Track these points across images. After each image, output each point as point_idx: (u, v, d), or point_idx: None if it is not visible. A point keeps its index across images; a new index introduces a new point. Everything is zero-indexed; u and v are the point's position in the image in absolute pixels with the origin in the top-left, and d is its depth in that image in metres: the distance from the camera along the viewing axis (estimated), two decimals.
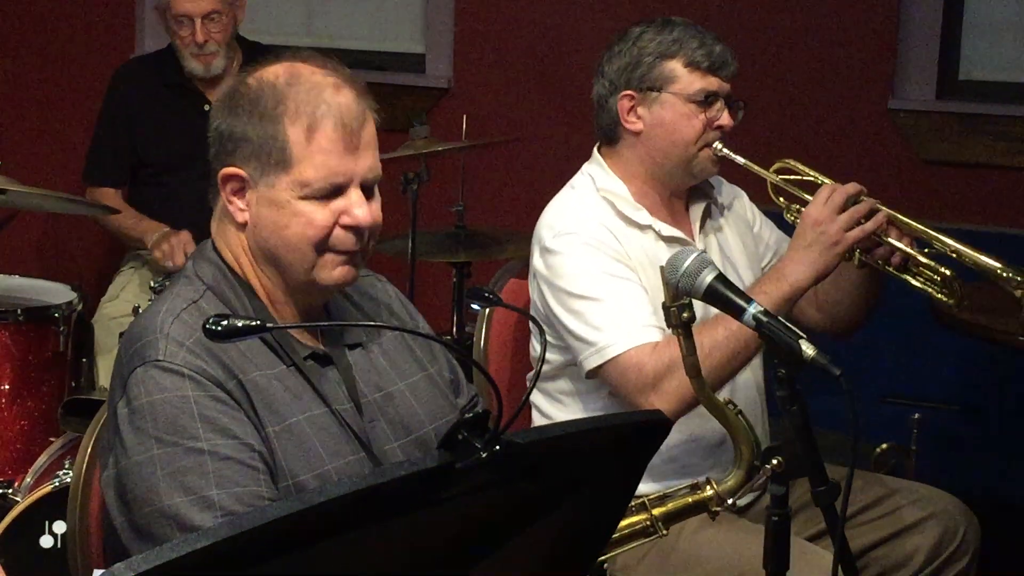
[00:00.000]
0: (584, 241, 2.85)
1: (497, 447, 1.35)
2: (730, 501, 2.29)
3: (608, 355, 2.75)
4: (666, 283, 2.19)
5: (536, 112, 5.31)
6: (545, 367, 2.96)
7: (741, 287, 2.34)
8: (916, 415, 3.83)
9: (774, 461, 2.03)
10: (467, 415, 2.37)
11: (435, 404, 2.33)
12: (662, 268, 2.22)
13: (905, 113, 4.97)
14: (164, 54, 4.60)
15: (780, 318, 2.06)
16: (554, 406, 2.98)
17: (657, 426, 1.60)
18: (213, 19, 4.40)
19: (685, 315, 2.18)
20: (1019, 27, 5.01)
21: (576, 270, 2.83)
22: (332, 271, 2.17)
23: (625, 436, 1.55)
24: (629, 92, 2.92)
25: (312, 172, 2.12)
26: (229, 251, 2.22)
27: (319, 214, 2.13)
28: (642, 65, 2.90)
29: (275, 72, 2.17)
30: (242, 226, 2.19)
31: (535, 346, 3.01)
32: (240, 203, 2.18)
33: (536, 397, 3.01)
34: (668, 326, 2.22)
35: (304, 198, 2.13)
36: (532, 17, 5.33)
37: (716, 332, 2.66)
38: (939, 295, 2.84)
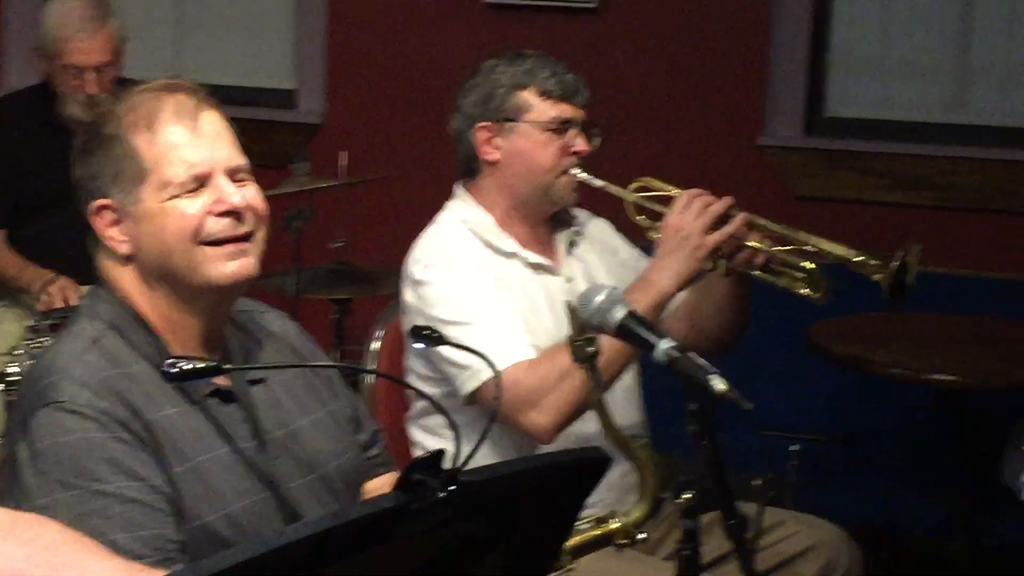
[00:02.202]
0: (452, 269, 2.89)
1: (453, 487, 1.34)
2: (641, 536, 2.29)
3: (483, 376, 2.76)
4: (574, 317, 2.19)
5: (413, 147, 5.31)
6: (425, 403, 2.97)
7: None
8: (794, 447, 3.88)
9: (686, 495, 2.04)
10: (372, 454, 2.40)
11: (338, 441, 2.31)
12: (568, 303, 2.23)
13: (775, 149, 5.06)
14: (38, 91, 4.50)
15: (691, 353, 2.06)
16: (437, 441, 2.97)
17: (596, 462, 1.60)
18: (104, 71, 4.31)
19: (590, 349, 2.19)
20: (883, 65, 5.12)
21: (446, 297, 2.86)
22: (223, 266, 2.13)
23: (567, 473, 1.56)
24: (485, 124, 2.95)
25: (169, 169, 2.11)
26: (120, 290, 2.18)
27: (190, 207, 2.11)
28: (496, 96, 2.94)
29: (107, 103, 2.19)
30: (127, 259, 2.16)
31: (413, 380, 3.00)
32: (118, 235, 2.15)
33: (418, 434, 3.02)
34: (574, 360, 2.22)
35: (172, 198, 2.11)
36: (404, 52, 5.35)
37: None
38: (805, 291, 2.89)
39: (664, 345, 2.07)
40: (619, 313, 2.14)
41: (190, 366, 1.75)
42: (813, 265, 2.88)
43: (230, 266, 2.14)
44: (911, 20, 5.06)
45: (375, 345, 3.22)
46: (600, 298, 2.15)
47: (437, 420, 2.96)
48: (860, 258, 2.85)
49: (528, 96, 2.94)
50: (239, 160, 2.18)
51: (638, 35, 5.11)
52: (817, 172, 5.05)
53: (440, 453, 1.39)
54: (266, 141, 5.25)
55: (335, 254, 4.36)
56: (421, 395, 2.82)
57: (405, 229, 5.25)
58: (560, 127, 2.94)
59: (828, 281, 2.88)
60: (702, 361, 2.06)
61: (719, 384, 2.01)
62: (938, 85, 5.10)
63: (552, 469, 1.56)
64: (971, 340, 4.26)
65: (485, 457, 2.81)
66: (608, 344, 2.60)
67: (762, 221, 2.88)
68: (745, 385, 2.96)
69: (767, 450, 2.22)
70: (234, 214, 2.14)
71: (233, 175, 2.16)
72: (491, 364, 1.98)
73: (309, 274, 4.26)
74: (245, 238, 2.16)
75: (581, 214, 3.12)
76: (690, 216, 2.83)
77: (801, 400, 4.75)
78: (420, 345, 2.08)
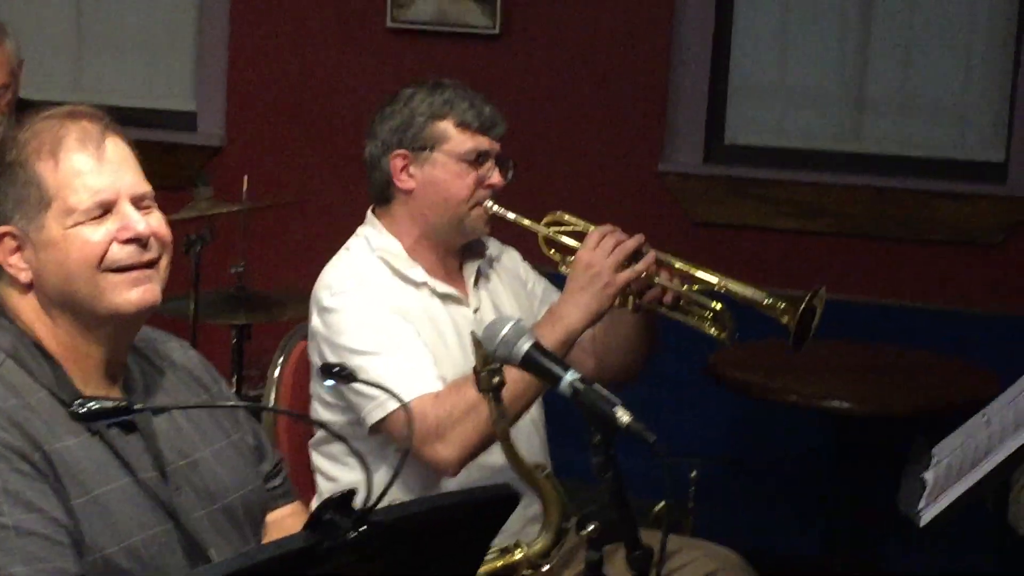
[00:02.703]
0: (361, 297, 2.88)
1: (363, 527, 1.33)
2: (545, 568, 2.30)
3: (390, 407, 2.76)
4: (478, 349, 2.19)
5: (313, 171, 5.30)
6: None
7: None
8: (693, 472, 3.91)
9: (589, 527, 2.05)
10: (274, 485, 2.39)
11: (240, 471, 2.30)
12: (473, 334, 2.23)
13: (674, 176, 5.10)
14: None
15: (596, 386, 2.07)
16: (340, 469, 2.96)
17: (506, 499, 1.60)
18: (1, 93, 4.26)
19: (496, 380, 2.19)
20: (780, 93, 5.19)
21: (354, 326, 2.85)
22: (127, 294, 2.12)
23: (476, 510, 1.56)
24: (401, 152, 2.95)
25: (73, 196, 2.09)
26: (21, 319, 2.15)
27: (95, 234, 2.10)
28: (414, 125, 2.94)
29: (12, 130, 2.16)
30: (28, 287, 2.14)
31: (317, 408, 2.99)
32: (19, 263, 2.13)
33: (320, 461, 3.01)
34: (479, 391, 2.22)
35: (76, 225, 2.09)
36: (306, 75, 5.33)
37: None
38: (712, 330, 2.92)
39: (569, 377, 2.08)
40: (524, 345, 2.15)
41: (98, 406, 1.73)
42: (720, 305, 2.90)
43: (134, 293, 2.12)
44: (808, 50, 5.13)
45: (276, 372, 3.19)
46: (506, 330, 2.16)
47: (340, 447, 2.95)
48: (768, 300, 2.87)
49: (445, 126, 2.94)
50: (144, 187, 2.17)
51: (540, 61, 5.13)
52: (716, 199, 5.10)
53: (351, 493, 1.39)
54: (166, 163, 5.21)
55: (235, 279, 4.32)
56: (324, 428, 2.80)
57: (305, 254, 5.24)
58: (476, 159, 2.94)
59: (735, 322, 2.91)
60: (606, 393, 2.07)
61: (623, 416, 2.03)
62: (834, 114, 5.17)
63: (462, 507, 1.56)
64: (866, 367, 4.33)
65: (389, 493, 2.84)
66: (516, 377, 2.62)
67: (672, 259, 2.90)
68: (646, 410, 2.99)
69: (667, 476, 2.24)
70: (139, 241, 2.12)
71: (138, 202, 2.15)
72: (399, 398, 1.98)
73: (208, 299, 4.22)
74: (150, 265, 2.15)
75: (492, 244, 3.13)
76: (601, 253, 2.84)
77: (701, 426, 4.79)
78: (330, 383, 2.06)
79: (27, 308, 2.15)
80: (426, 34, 5.18)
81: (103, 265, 2.11)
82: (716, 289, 2.90)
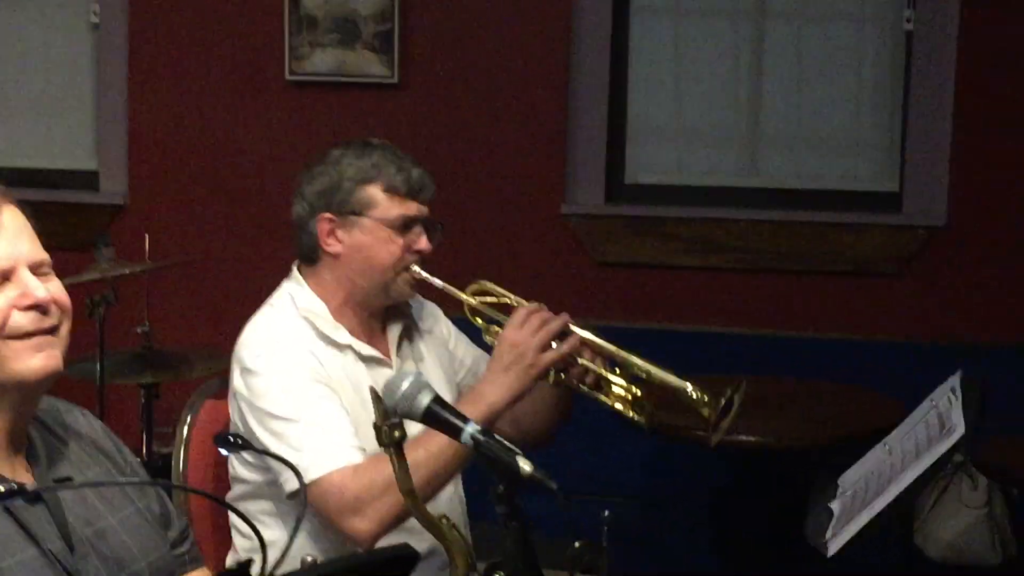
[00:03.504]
0: (283, 362, 2.85)
1: None
2: None
3: (308, 477, 2.73)
4: (378, 403, 2.20)
5: (217, 229, 5.29)
6: (246, 487, 2.95)
7: None
8: (605, 512, 3.93)
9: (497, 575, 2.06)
10: (181, 551, 2.38)
11: (147, 538, 2.29)
12: (372, 389, 2.23)
13: (577, 218, 5.14)
14: None
15: (497, 436, 2.09)
16: (256, 526, 2.94)
17: (406, 559, 1.61)
18: None
19: (397, 434, 2.19)
20: (678, 132, 5.25)
21: (275, 390, 2.83)
22: (30, 360, 2.11)
23: (378, 570, 1.56)
24: (328, 215, 2.93)
25: None
26: None
27: None
28: (342, 189, 2.92)
29: None
30: None
31: (234, 465, 2.98)
32: None
33: (237, 519, 2.98)
34: (380, 445, 2.22)
35: None
36: (207, 131, 5.32)
37: (429, 446, 2.70)
38: (630, 414, 2.90)
39: (470, 429, 2.10)
40: (425, 399, 2.16)
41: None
42: (641, 392, 2.89)
43: (37, 360, 2.12)
44: (703, 88, 5.20)
45: (184, 430, 3.18)
46: (406, 385, 2.17)
47: (258, 506, 2.93)
48: (691, 391, 2.85)
49: (373, 192, 2.91)
50: (41, 255, 2.17)
51: (439, 108, 5.16)
52: (619, 238, 5.15)
53: (248, 563, 1.39)
54: (68, 223, 5.19)
55: (140, 338, 4.30)
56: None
57: (210, 312, 5.27)
58: (404, 225, 2.93)
59: (652, 409, 2.90)
60: (507, 443, 2.09)
61: (525, 466, 2.05)
62: (731, 150, 5.25)
63: (363, 568, 1.57)
64: (771, 401, 4.36)
65: (303, 547, 2.84)
66: (438, 445, 2.64)
67: (598, 341, 2.89)
68: (556, 451, 3.02)
69: (578, 515, 2.26)
70: (39, 308, 2.12)
71: (35, 269, 2.15)
72: (300, 480, 1.97)
73: (114, 359, 4.21)
74: (51, 331, 2.15)
75: (414, 303, 3.11)
76: (527, 333, 2.83)
77: (611, 466, 4.81)
78: (224, 452, 2.06)
79: None
80: (325, 85, 5.20)
81: (4, 333, 2.10)
82: (638, 374, 2.89)
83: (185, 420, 3.19)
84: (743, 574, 4.59)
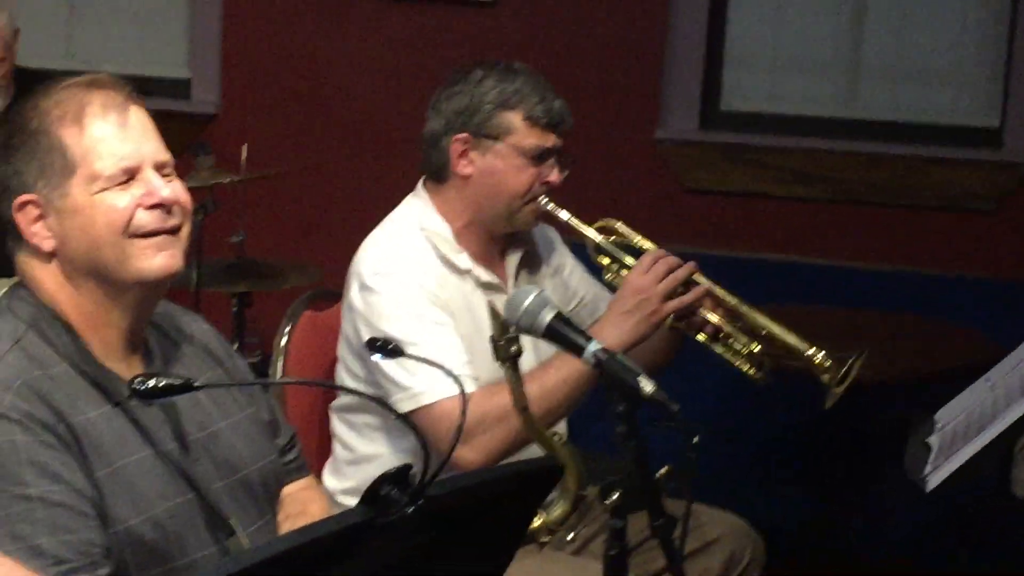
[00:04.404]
0: (403, 282, 2.83)
1: (420, 500, 1.34)
2: (570, 537, 2.31)
3: (421, 401, 2.74)
4: (496, 319, 2.18)
5: (310, 141, 5.28)
6: (352, 399, 2.95)
7: None
8: (695, 438, 3.91)
9: (613, 495, 2.05)
10: (288, 459, 2.39)
11: (257, 444, 2.30)
12: (491, 304, 2.22)
13: (670, 143, 5.10)
14: None
15: (619, 356, 2.07)
16: (357, 438, 2.95)
17: (551, 472, 1.61)
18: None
19: (514, 348, 2.17)
20: (776, 60, 5.18)
21: (394, 312, 2.81)
22: (152, 260, 2.12)
23: (523, 482, 1.57)
24: (464, 136, 2.89)
25: (98, 162, 2.09)
26: (42, 289, 2.14)
27: (120, 200, 2.10)
28: (481, 111, 2.88)
29: (31, 99, 2.16)
30: (50, 256, 2.13)
31: (343, 376, 2.97)
32: (43, 231, 2.12)
33: (340, 427, 2.99)
34: (497, 359, 2.21)
35: (102, 191, 2.09)
36: (300, 43, 5.30)
37: (559, 373, 2.71)
38: (745, 368, 2.90)
39: (593, 347, 2.08)
40: (547, 315, 2.14)
41: (161, 383, 1.74)
42: (759, 347, 2.88)
43: (160, 258, 2.13)
44: (804, 16, 5.13)
45: (284, 340, 3.18)
46: (529, 300, 2.15)
47: (362, 419, 2.94)
48: (810, 352, 2.84)
49: (513, 118, 2.88)
50: (165, 155, 2.18)
51: (535, 28, 5.11)
52: (710, 166, 5.10)
53: (407, 468, 1.39)
54: (159, 132, 5.18)
55: (235, 248, 4.32)
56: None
57: (304, 224, 5.27)
58: (539, 156, 2.89)
59: (770, 366, 2.89)
60: (629, 363, 2.07)
61: (647, 386, 2.04)
62: (829, 80, 5.17)
63: (509, 479, 1.57)
64: (858, 334, 4.32)
65: (391, 457, 2.84)
66: (566, 369, 2.65)
67: (721, 293, 2.88)
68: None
69: (666, 441, 2.25)
70: (163, 207, 2.13)
71: (160, 169, 2.16)
72: (461, 387, 1.95)
73: (209, 268, 4.22)
74: (173, 231, 2.15)
75: (536, 232, 3.08)
76: (652, 278, 2.82)
77: (697, 392, 4.78)
78: (378, 357, 2.05)
79: (49, 278, 2.14)
80: (420, 3, 5.16)
81: (129, 231, 2.10)
82: (757, 331, 2.88)
83: (283, 331, 3.19)
84: (832, 509, 4.58)
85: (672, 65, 5.08)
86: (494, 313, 2.18)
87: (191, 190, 3.94)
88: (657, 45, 5.05)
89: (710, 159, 5.10)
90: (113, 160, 2.10)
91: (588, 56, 5.11)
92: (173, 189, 2.15)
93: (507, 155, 2.89)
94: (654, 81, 5.08)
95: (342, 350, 2.97)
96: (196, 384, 1.91)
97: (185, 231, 2.18)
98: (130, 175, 2.11)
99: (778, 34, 5.16)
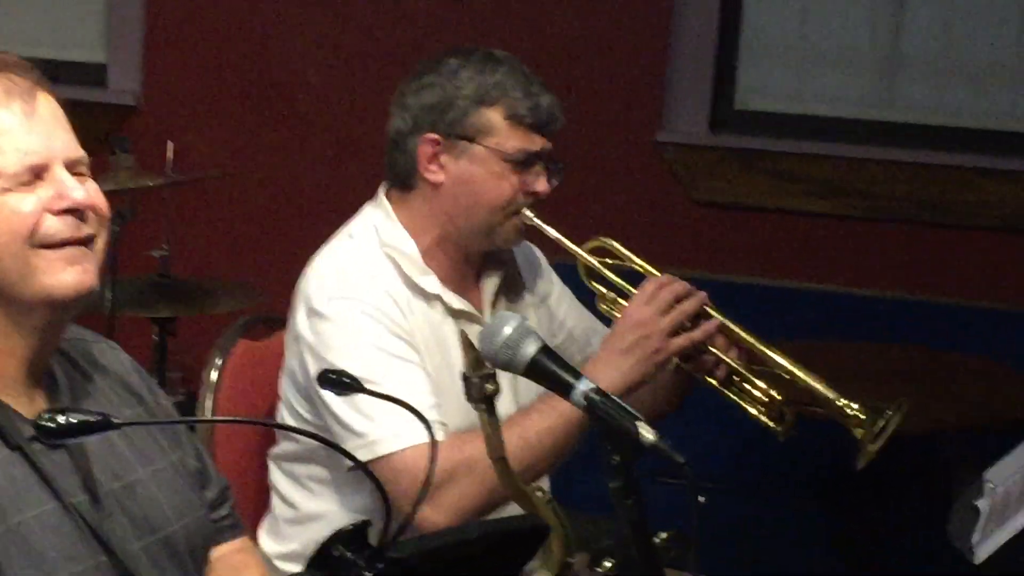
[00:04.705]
0: (362, 311, 2.82)
1: (380, 565, 1.33)
2: None
3: (379, 451, 2.72)
4: (470, 351, 2.17)
5: (249, 139, 5.29)
6: (296, 447, 2.94)
7: None
8: (702, 498, 3.91)
9: (606, 564, 2.05)
10: (219, 515, 2.38)
11: (182, 497, 2.29)
12: (463, 334, 2.21)
13: (675, 147, 5.12)
14: None
15: (614, 397, 2.07)
16: (301, 493, 2.94)
17: (537, 532, 1.60)
18: None
19: (490, 387, 2.16)
20: (801, 53, 5.21)
21: (350, 344, 2.80)
22: (61, 275, 2.10)
23: (502, 543, 1.56)
24: (434, 136, 2.88)
25: (0, 158, 2.09)
26: None
27: (25, 203, 2.09)
28: (455, 108, 2.86)
29: None
30: None
31: (286, 418, 2.95)
32: None
33: (280, 479, 2.98)
34: (469, 400, 2.20)
35: (3, 192, 2.09)
36: (242, 23, 5.31)
37: (543, 418, 2.72)
38: (764, 419, 2.89)
39: (583, 386, 2.07)
40: (531, 348, 2.12)
41: (73, 420, 1.73)
42: (780, 397, 2.87)
43: (70, 274, 2.12)
44: (834, 2, 5.16)
45: (213, 375, 3.17)
46: (508, 330, 2.13)
47: (309, 469, 2.93)
48: (841, 402, 2.82)
49: (492, 116, 2.86)
50: (79, 151, 2.18)
51: (514, 9, 5.13)
52: (723, 175, 5.12)
53: (364, 525, 1.39)
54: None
55: (157, 264, 4.31)
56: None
57: (239, 238, 5.26)
58: (523, 161, 2.88)
59: (793, 419, 2.87)
60: (627, 406, 2.06)
61: (648, 434, 2.02)
62: (863, 77, 5.20)
63: (486, 541, 1.56)
64: (899, 374, 4.34)
65: (340, 516, 2.83)
66: (553, 414, 2.67)
67: (736, 328, 2.87)
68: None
69: (665, 501, 2.26)
70: (76, 212, 2.12)
71: (72, 168, 2.15)
72: (431, 434, 1.95)
73: (126, 288, 4.21)
74: (87, 242, 2.14)
75: (518, 252, 3.08)
76: (654, 310, 2.81)
77: (704, 444, 4.78)
78: (328, 393, 2.04)
79: None
80: None
81: (34, 240, 2.10)
82: (779, 373, 2.87)
83: (214, 363, 3.18)
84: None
85: (678, 56, 5.11)
86: (467, 345, 2.17)
87: (106, 194, 3.94)
88: (662, 32, 5.08)
89: (722, 167, 5.12)
90: (17, 156, 2.09)
91: (579, 45, 5.13)
92: (88, 191, 2.14)
93: (485, 159, 2.88)
94: (657, 75, 5.11)
95: (285, 387, 2.96)
96: (116, 422, 1.89)
97: (101, 242, 2.17)
98: (37, 174, 2.11)
99: (803, 22, 5.20)
